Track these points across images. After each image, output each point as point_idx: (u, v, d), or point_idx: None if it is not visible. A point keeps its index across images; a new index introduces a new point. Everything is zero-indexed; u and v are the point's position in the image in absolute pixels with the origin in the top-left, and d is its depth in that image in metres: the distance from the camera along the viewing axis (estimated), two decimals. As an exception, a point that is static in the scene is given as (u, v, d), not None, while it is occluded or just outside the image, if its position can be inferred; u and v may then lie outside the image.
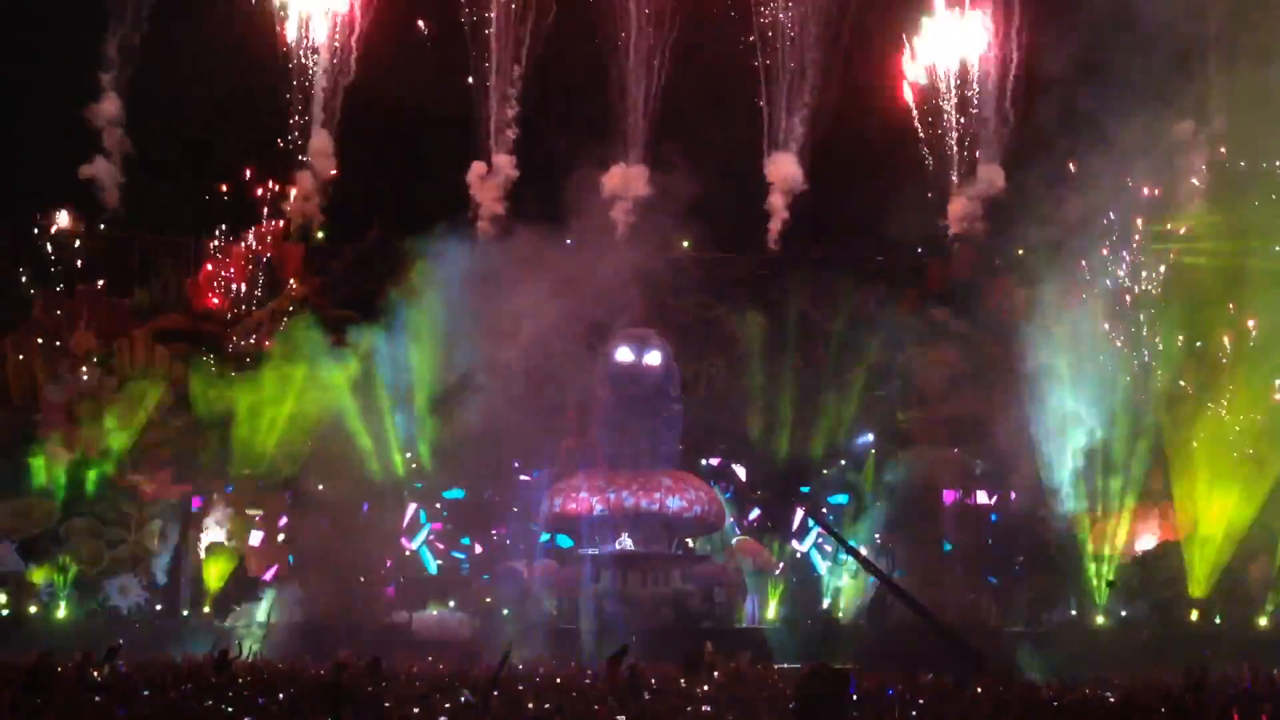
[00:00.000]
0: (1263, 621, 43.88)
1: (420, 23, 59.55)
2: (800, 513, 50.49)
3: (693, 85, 57.18)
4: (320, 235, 57.53)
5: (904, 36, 60.95)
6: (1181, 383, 47.44)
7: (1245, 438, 45.06)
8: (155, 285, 53.56)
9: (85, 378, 48.65)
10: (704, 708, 18.11)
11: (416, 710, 17.03)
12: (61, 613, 45.39)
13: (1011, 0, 59.20)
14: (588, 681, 22.51)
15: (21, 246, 53.02)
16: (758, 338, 52.29)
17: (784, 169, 58.57)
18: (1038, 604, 46.46)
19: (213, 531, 47.64)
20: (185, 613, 47.22)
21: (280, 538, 48.54)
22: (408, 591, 47.00)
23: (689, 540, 48.97)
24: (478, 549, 50.58)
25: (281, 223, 56.88)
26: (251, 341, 50.71)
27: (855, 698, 19.03)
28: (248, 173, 58.03)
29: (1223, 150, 51.43)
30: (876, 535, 48.45)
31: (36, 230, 53.61)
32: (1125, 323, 48.83)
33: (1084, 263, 50.65)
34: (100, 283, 53.03)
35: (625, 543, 46.04)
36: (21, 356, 49.55)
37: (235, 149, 57.94)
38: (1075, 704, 19.15)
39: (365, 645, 30.87)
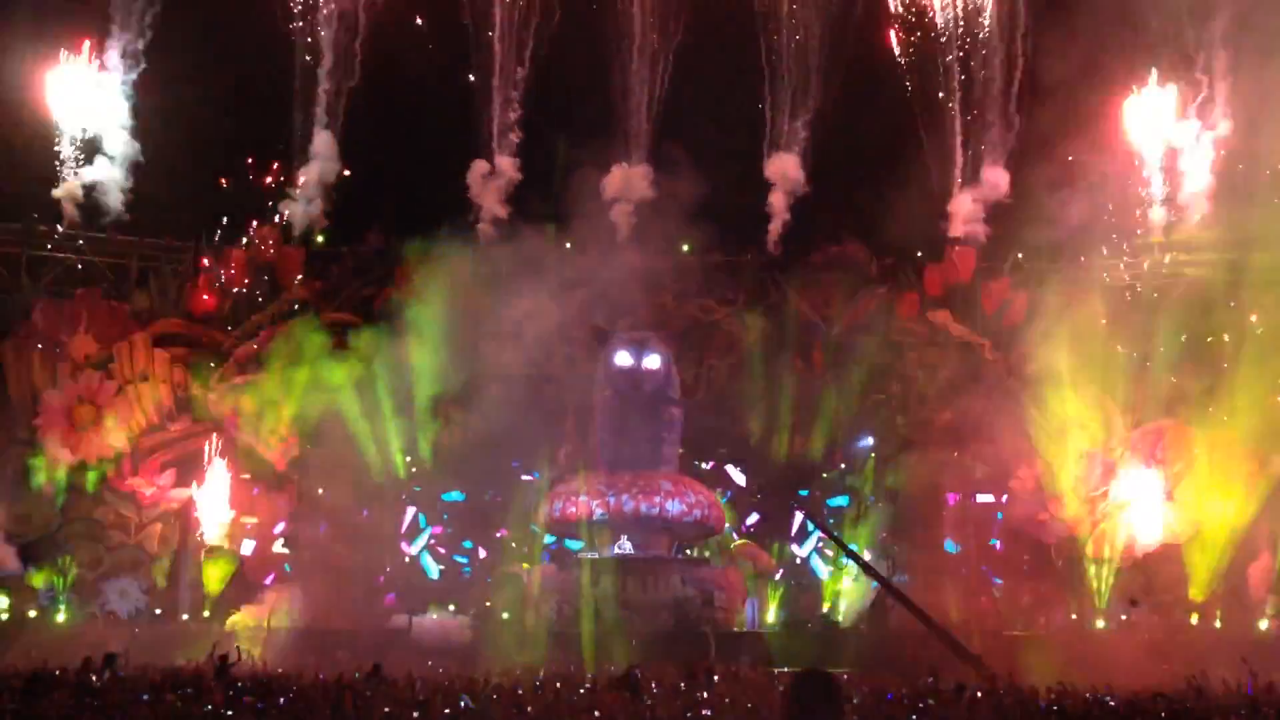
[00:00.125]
0: (1263, 625, 43.86)
1: (419, 20, 59.47)
2: (800, 516, 50.49)
3: (694, 87, 57.06)
4: (320, 239, 57.43)
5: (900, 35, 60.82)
6: (1180, 382, 47.38)
7: (1246, 439, 45.01)
8: (155, 289, 53.49)
9: (85, 382, 48.66)
10: (704, 712, 18.07)
11: (416, 715, 17.00)
12: (61, 616, 45.43)
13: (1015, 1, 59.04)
14: (588, 686, 22.46)
15: (21, 250, 52.94)
16: (758, 341, 52.22)
17: (784, 168, 58.33)
18: (1038, 607, 46.41)
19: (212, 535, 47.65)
20: (185, 616, 47.19)
21: (280, 542, 48.59)
22: (408, 596, 47.00)
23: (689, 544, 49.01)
24: (481, 553, 50.57)
25: (280, 222, 56.78)
26: (252, 345, 50.60)
27: (855, 701, 19.04)
28: (249, 168, 58.00)
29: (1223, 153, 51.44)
30: (882, 535, 48.45)
31: (36, 233, 53.54)
32: (1125, 322, 48.74)
33: (1082, 259, 50.74)
34: (100, 286, 52.98)
35: (625, 546, 45.97)
36: (21, 361, 49.54)
37: (236, 150, 57.94)
38: (1075, 709, 19.11)
39: (364, 650, 30.81)
